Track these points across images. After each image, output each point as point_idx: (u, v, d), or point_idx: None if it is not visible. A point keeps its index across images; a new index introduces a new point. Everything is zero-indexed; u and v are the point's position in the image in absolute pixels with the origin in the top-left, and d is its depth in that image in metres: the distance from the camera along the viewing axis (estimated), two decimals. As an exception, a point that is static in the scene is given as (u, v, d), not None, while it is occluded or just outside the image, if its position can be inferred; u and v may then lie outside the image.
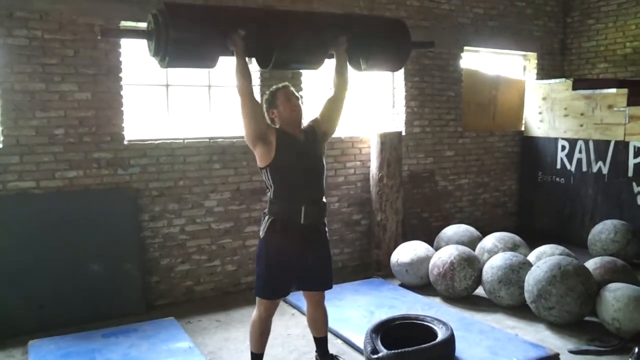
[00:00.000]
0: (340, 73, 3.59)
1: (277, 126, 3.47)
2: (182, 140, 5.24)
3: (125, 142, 5.00)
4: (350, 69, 3.71)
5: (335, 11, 5.90)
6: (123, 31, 3.34)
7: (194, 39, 3.10)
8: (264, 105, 3.51)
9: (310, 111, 3.82)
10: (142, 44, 4.94)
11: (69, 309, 4.67)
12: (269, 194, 3.46)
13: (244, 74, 3.26)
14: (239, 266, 5.57)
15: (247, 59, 3.34)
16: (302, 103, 3.57)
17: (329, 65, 3.70)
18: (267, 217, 3.43)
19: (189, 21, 3.11)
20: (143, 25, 4.97)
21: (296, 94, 3.53)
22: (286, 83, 3.55)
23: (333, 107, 3.63)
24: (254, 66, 5.60)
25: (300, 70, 5.75)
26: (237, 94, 3.32)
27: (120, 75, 4.92)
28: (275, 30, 3.31)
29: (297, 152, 3.40)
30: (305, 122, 3.60)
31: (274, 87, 3.54)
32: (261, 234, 3.45)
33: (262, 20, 3.42)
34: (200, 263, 5.38)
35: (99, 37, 3.29)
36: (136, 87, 5.18)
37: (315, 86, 6.02)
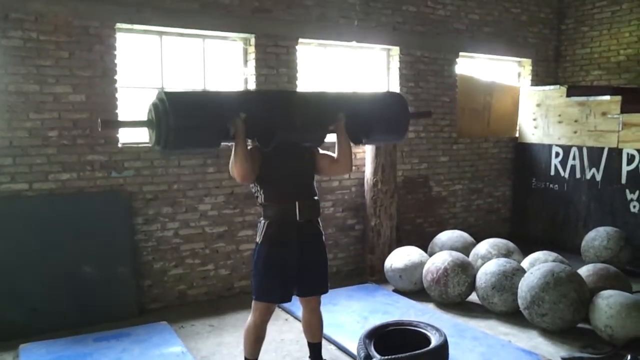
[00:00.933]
0: (341, 150, 3.54)
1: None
2: (176, 144, 5.21)
3: (120, 145, 4.98)
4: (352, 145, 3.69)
5: (331, 16, 5.94)
6: (123, 122, 3.39)
7: (195, 128, 3.09)
8: None
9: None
10: (137, 47, 4.96)
11: (61, 313, 4.64)
12: (259, 199, 3.46)
13: (243, 158, 3.24)
14: (233, 270, 5.55)
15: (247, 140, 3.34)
16: None
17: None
18: (263, 222, 3.44)
19: (188, 109, 3.11)
20: (138, 27, 5.02)
21: None
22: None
23: (331, 166, 3.61)
24: (249, 69, 5.63)
25: (296, 76, 5.77)
26: (234, 176, 3.34)
27: (115, 77, 4.90)
28: (275, 112, 3.35)
29: (283, 154, 3.41)
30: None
31: None
32: (258, 239, 3.45)
33: (261, 103, 3.47)
34: (193, 267, 5.36)
35: (100, 130, 3.30)
36: (131, 90, 5.16)
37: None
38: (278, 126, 3.33)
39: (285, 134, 3.36)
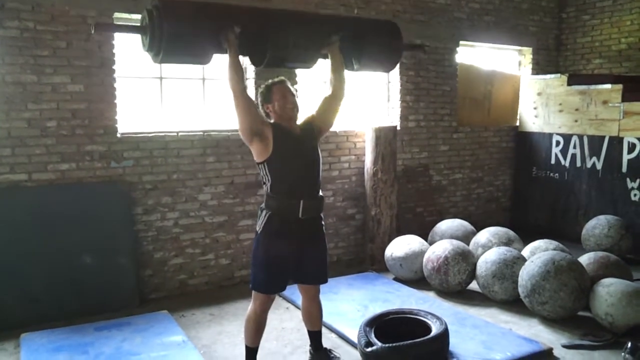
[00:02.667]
0: (336, 72, 3.56)
1: (272, 121, 3.45)
2: (175, 134, 5.21)
3: (119, 135, 4.96)
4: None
5: (331, 10, 5.90)
6: (117, 26, 3.36)
7: (188, 35, 3.09)
8: (259, 98, 3.50)
9: (305, 107, 3.80)
10: (135, 37, 4.93)
11: (62, 303, 4.65)
12: (265, 188, 3.44)
13: (236, 71, 3.24)
14: (233, 260, 5.56)
15: (240, 56, 3.32)
16: (297, 98, 3.55)
17: (324, 63, 3.70)
18: (264, 212, 3.41)
19: (183, 16, 3.11)
20: (136, 17, 4.98)
21: (292, 89, 3.50)
22: (282, 78, 3.53)
23: (330, 105, 3.60)
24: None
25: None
26: (229, 90, 3.30)
27: (114, 67, 4.88)
28: (269, 29, 3.31)
29: (294, 146, 3.38)
30: (301, 118, 3.58)
31: (270, 81, 3.51)
32: (258, 228, 3.43)
33: (256, 19, 3.42)
34: (194, 257, 5.36)
35: (93, 32, 3.27)
36: (130, 80, 5.14)
37: (310, 80, 5.99)
38: (271, 43, 3.30)
39: (278, 52, 3.34)
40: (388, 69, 4.14)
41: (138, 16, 4.91)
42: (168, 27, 3.02)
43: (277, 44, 3.31)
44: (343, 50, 3.59)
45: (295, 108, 3.46)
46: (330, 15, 4.07)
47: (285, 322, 4.59)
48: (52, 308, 4.61)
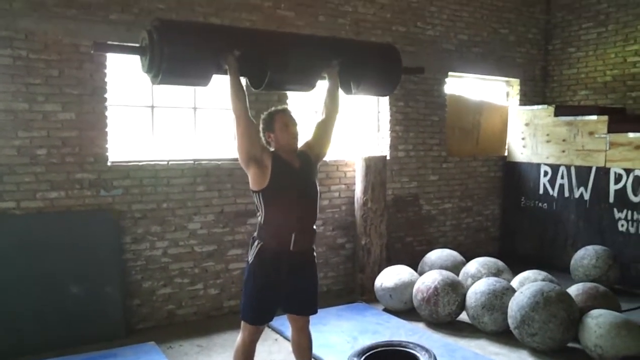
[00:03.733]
0: (332, 96, 3.58)
1: (272, 149, 3.45)
2: (166, 162, 5.21)
3: (109, 163, 4.96)
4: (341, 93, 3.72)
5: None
6: (116, 46, 3.35)
7: (188, 56, 3.08)
8: (261, 125, 3.48)
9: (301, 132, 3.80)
10: (128, 65, 4.96)
11: (48, 333, 4.58)
12: (259, 218, 3.43)
13: (238, 94, 3.24)
14: (222, 290, 5.51)
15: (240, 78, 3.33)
16: (299, 127, 3.51)
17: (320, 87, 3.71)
18: (256, 242, 3.39)
19: (183, 38, 3.10)
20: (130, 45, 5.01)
21: (294, 119, 3.48)
22: (285, 106, 3.54)
23: (324, 130, 3.60)
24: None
25: (287, 95, 5.78)
26: (232, 114, 3.30)
27: (105, 95, 4.90)
28: (269, 52, 3.32)
29: (292, 179, 3.37)
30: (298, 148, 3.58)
31: (273, 109, 3.53)
32: (249, 258, 3.41)
33: (256, 41, 3.44)
34: (182, 286, 5.31)
35: (92, 52, 3.26)
36: (121, 108, 5.16)
37: (300, 102, 6.04)
38: (271, 67, 3.29)
39: (277, 75, 3.33)
40: (387, 92, 4.13)
41: (132, 44, 4.97)
42: (168, 49, 3.01)
43: (277, 67, 3.32)
44: (342, 74, 3.60)
45: (296, 139, 3.46)
46: (330, 38, 4.07)
47: (274, 354, 4.54)
48: (38, 338, 4.54)
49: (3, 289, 4.45)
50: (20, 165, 4.58)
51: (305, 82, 3.53)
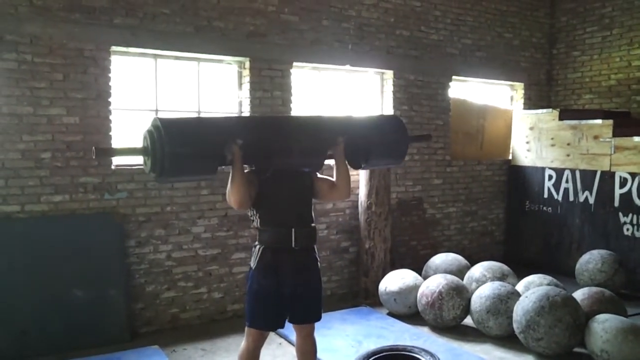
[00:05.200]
0: (339, 175, 3.52)
1: None
2: (170, 166, 5.20)
3: (113, 167, 4.96)
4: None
5: (326, 47, 5.99)
6: (118, 150, 3.35)
7: (190, 154, 3.06)
8: None
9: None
10: (132, 69, 4.98)
11: (52, 336, 4.58)
12: (254, 223, 3.43)
13: (240, 185, 3.21)
14: (226, 293, 5.50)
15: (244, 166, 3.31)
16: None
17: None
18: (257, 247, 3.39)
19: (184, 136, 3.07)
20: (134, 50, 5.04)
21: None
22: None
23: (328, 191, 3.57)
24: (244, 92, 5.65)
25: (291, 99, 5.80)
26: (231, 203, 3.27)
27: (110, 99, 4.91)
28: (272, 138, 3.32)
29: (280, 178, 3.37)
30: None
31: None
32: (252, 264, 3.40)
33: (258, 129, 3.45)
34: (186, 290, 5.30)
35: (94, 157, 3.24)
36: (125, 112, 5.16)
37: (303, 106, 6.05)
38: (275, 152, 3.30)
39: (282, 160, 3.33)
40: (396, 163, 4.09)
41: (135, 49, 5.01)
42: (169, 148, 2.98)
43: (282, 154, 3.32)
44: (349, 151, 3.57)
45: None
46: (332, 118, 4.08)
47: (278, 358, 4.53)
48: (42, 341, 4.54)
49: (7, 292, 4.46)
50: (24, 169, 4.59)
51: (312, 164, 3.53)
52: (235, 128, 3.40)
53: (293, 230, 3.33)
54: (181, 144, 3.01)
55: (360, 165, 3.78)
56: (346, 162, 3.56)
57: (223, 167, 3.30)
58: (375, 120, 3.92)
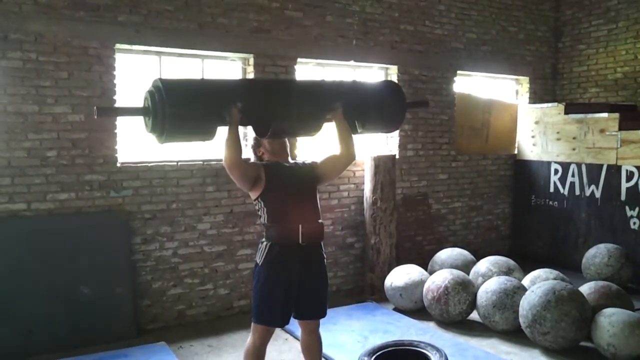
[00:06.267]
0: (342, 137, 3.50)
1: (266, 160, 3.51)
2: (175, 163, 5.22)
3: (118, 164, 4.97)
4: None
5: (330, 43, 5.98)
6: (119, 109, 3.34)
7: (191, 115, 3.07)
8: (252, 144, 3.58)
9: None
10: (136, 67, 4.98)
11: (59, 334, 4.60)
12: (261, 219, 3.44)
13: (235, 146, 3.22)
14: (232, 290, 5.52)
15: (241, 127, 3.34)
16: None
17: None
18: (264, 243, 3.40)
19: (185, 97, 3.09)
20: (138, 47, 5.04)
21: None
22: None
23: (334, 164, 3.56)
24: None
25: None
26: (224, 163, 3.28)
27: (115, 97, 4.91)
28: (271, 102, 3.33)
29: (287, 175, 3.42)
30: (301, 158, 3.60)
31: None
32: (258, 260, 3.41)
33: (258, 92, 3.45)
34: (192, 286, 5.32)
35: (95, 117, 3.26)
36: (130, 110, 5.16)
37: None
38: (274, 116, 3.30)
39: (281, 123, 3.34)
40: (393, 129, 4.10)
41: (139, 46, 5.01)
42: (170, 109, 2.99)
43: (281, 117, 3.33)
44: (346, 115, 3.55)
45: (284, 143, 3.54)
46: (331, 82, 4.06)
47: (284, 353, 4.54)
48: (49, 339, 4.56)
49: (14, 289, 4.48)
50: (30, 167, 4.61)
51: (309, 128, 3.54)
52: (236, 90, 3.40)
53: (300, 226, 3.34)
54: (182, 106, 3.03)
55: (357, 129, 3.75)
56: (346, 125, 3.53)
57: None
58: (373, 85, 3.92)
